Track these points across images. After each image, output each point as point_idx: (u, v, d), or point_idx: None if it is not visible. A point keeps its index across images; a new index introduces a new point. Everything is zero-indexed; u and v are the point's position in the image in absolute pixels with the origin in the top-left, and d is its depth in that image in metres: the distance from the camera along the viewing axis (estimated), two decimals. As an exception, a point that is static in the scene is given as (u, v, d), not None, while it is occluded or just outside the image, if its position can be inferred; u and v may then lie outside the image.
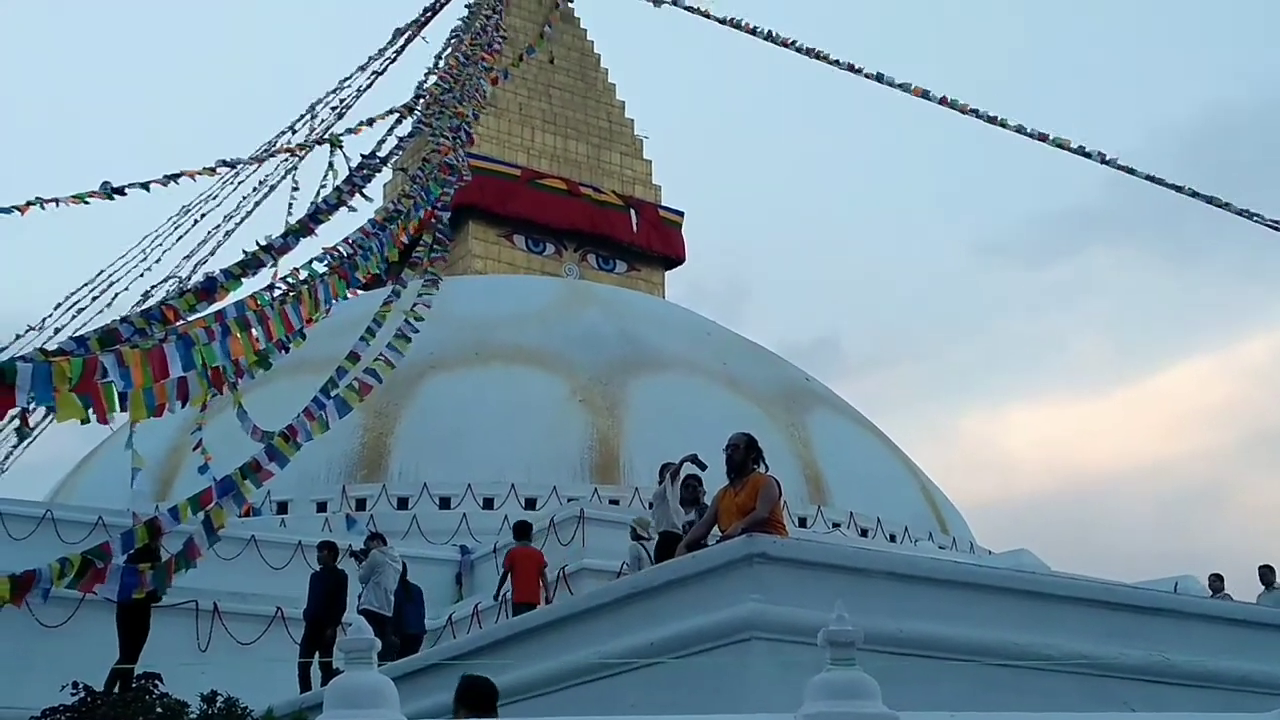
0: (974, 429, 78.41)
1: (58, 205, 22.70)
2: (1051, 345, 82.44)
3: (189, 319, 17.99)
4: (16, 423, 12.90)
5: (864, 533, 27.01)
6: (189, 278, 28.10)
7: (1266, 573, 18.85)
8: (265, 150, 31.11)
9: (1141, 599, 10.36)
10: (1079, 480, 72.57)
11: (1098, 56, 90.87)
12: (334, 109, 34.93)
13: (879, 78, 36.07)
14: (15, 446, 28.65)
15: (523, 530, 18.26)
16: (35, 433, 28.33)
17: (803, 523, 25.51)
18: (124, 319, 18.53)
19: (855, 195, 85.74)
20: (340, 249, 21.75)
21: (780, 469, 14.18)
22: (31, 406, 10.46)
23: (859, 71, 36.41)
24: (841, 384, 40.91)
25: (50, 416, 12.73)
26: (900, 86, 35.70)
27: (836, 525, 26.69)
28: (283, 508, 24.61)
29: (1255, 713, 6.66)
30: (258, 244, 25.55)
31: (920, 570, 9.45)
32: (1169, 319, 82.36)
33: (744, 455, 10.46)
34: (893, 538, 27.35)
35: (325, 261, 20.82)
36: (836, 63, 36.86)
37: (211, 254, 30.72)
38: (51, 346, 18.33)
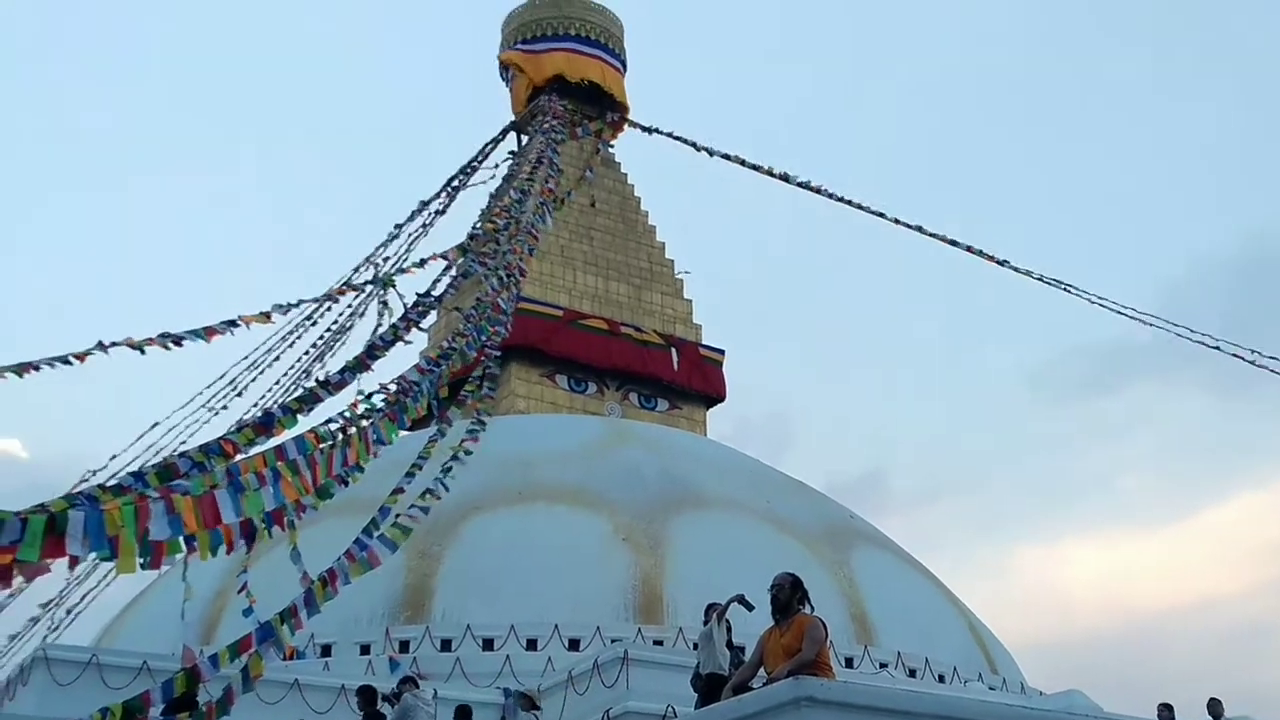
0: (1023, 565, 77.32)
1: (112, 347, 23.10)
2: (1100, 479, 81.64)
3: (247, 454, 18.20)
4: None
5: (912, 673, 26.57)
6: (247, 413, 28.58)
7: (1214, 705, 18.69)
8: (323, 297, 31.81)
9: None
10: (1130, 617, 71.32)
11: (1135, 187, 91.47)
12: (386, 252, 36.01)
13: (919, 229, 36.76)
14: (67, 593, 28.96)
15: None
16: (107, 582, 28.53)
17: (849, 663, 25.13)
18: (183, 454, 18.77)
19: (900, 329, 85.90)
20: (390, 387, 22.04)
21: (825, 609, 14.06)
22: (88, 557, 10.53)
23: (898, 222, 37.03)
24: (888, 520, 40.66)
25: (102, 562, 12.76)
26: (937, 237, 36.26)
27: (884, 666, 26.29)
28: (326, 650, 24.47)
29: None
30: (316, 380, 26.00)
31: (970, 713, 9.31)
32: (1217, 453, 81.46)
33: (789, 595, 10.39)
34: (941, 678, 26.88)
35: (379, 396, 21.10)
36: (881, 215, 37.51)
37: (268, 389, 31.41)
38: (111, 482, 18.55)
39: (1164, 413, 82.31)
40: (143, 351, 22.93)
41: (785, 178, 39.82)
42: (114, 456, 26.21)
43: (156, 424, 28.48)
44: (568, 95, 41.53)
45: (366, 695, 17.17)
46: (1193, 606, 71.99)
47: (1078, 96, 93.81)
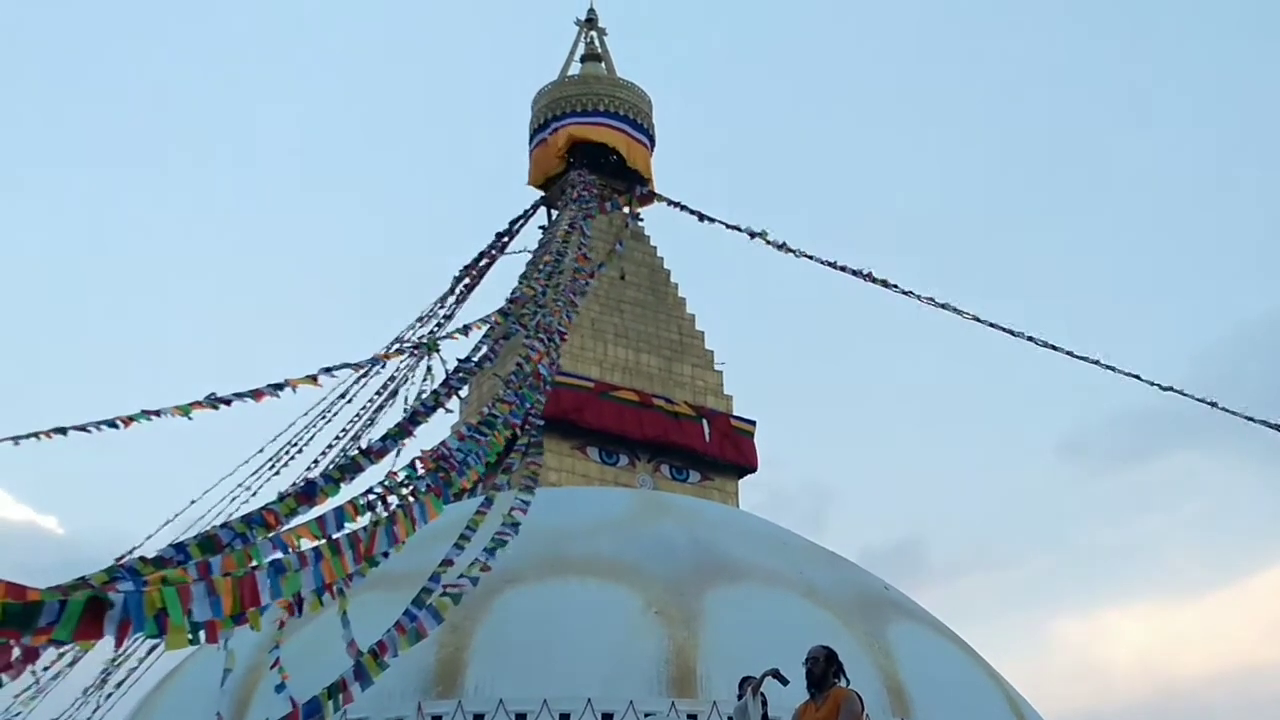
0: (1062, 636, 76.49)
1: (157, 416, 23.17)
2: (1140, 548, 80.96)
3: (288, 525, 18.21)
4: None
5: (950, 747, 26.27)
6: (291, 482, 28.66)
7: None
8: (369, 360, 32.08)
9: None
10: (1172, 687, 70.37)
11: (1173, 256, 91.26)
12: (427, 317, 36.49)
13: (939, 303, 36.87)
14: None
15: None
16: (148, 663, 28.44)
17: (886, 737, 24.85)
18: (225, 525, 18.80)
19: (935, 399, 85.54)
20: (437, 456, 22.02)
21: (861, 681, 13.95)
22: (135, 636, 10.52)
23: (932, 302, 37.13)
24: (924, 591, 40.21)
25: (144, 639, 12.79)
26: (963, 314, 36.37)
27: (921, 739, 25.99)
28: (357, 729, 24.35)
29: None
30: (358, 449, 26.09)
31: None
32: (1258, 520, 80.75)
33: (824, 669, 10.36)
34: (980, 752, 26.57)
35: (420, 469, 21.11)
36: (912, 295, 37.64)
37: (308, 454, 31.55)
38: (152, 554, 18.59)
39: (1206, 482, 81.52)
40: (190, 416, 23.00)
41: (810, 257, 39.98)
42: (149, 537, 26.27)
43: (194, 501, 28.66)
44: (596, 170, 41.91)
45: None
46: (1236, 675, 71.06)
47: (1105, 170, 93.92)
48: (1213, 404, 34.16)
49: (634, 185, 42.96)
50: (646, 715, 23.33)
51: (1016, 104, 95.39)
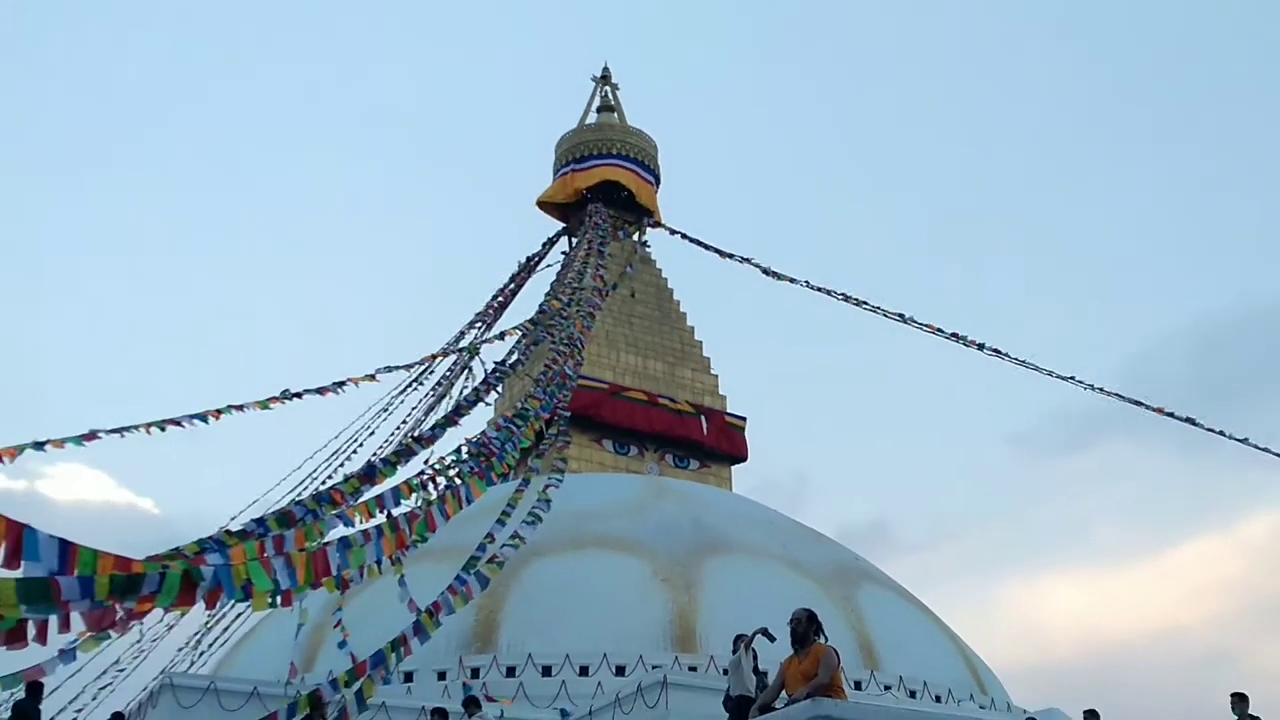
0: (1009, 601, 76.18)
1: (243, 410, 23.22)
2: (1077, 525, 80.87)
3: (352, 503, 18.27)
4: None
5: (912, 694, 26.16)
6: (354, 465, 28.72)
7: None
8: (421, 361, 32.22)
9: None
10: (1104, 645, 70.11)
11: (1108, 268, 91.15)
12: (471, 328, 36.82)
13: (902, 317, 36.86)
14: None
15: None
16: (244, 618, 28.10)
17: (858, 686, 24.76)
18: (298, 502, 18.85)
19: (901, 398, 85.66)
20: (480, 440, 22.04)
21: (837, 639, 13.91)
22: (224, 602, 10.61)
23: (899, 316, 37.08)
24: (891, 562, 40.07)
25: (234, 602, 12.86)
26: (923, 326, 36.35)
27: (888, 688, 25.88)
28: (409, 677, 24.32)
29: None
30: (410, 437, 26.11)
31: (965, 729, 9.17)
32: (1177, 500, 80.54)
33: (806, 628, 10.32)
34: (938, 699, 26.47)
35: (466, 453, 21.16)
36: (880, 311, 37.55)
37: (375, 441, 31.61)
38: (236, 528, 18.66)
39: (1133, 468, 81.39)
40: (268, 407, 23.05)
41: (792, 280, 39.96)
42: (233, 518, 26.23)
43: (279, 483, 28.70)
44: (610, 204, 42.03)
45: (440, 715, 16.99)
46: (1158, 636, 70.86)
47: (1061, 191, 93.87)
48: (1138, 402, 34.11)
49: (642, 217, 43.06)
50: (654, 667, 23.28)
51: (968, 145, 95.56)
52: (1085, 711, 18.64)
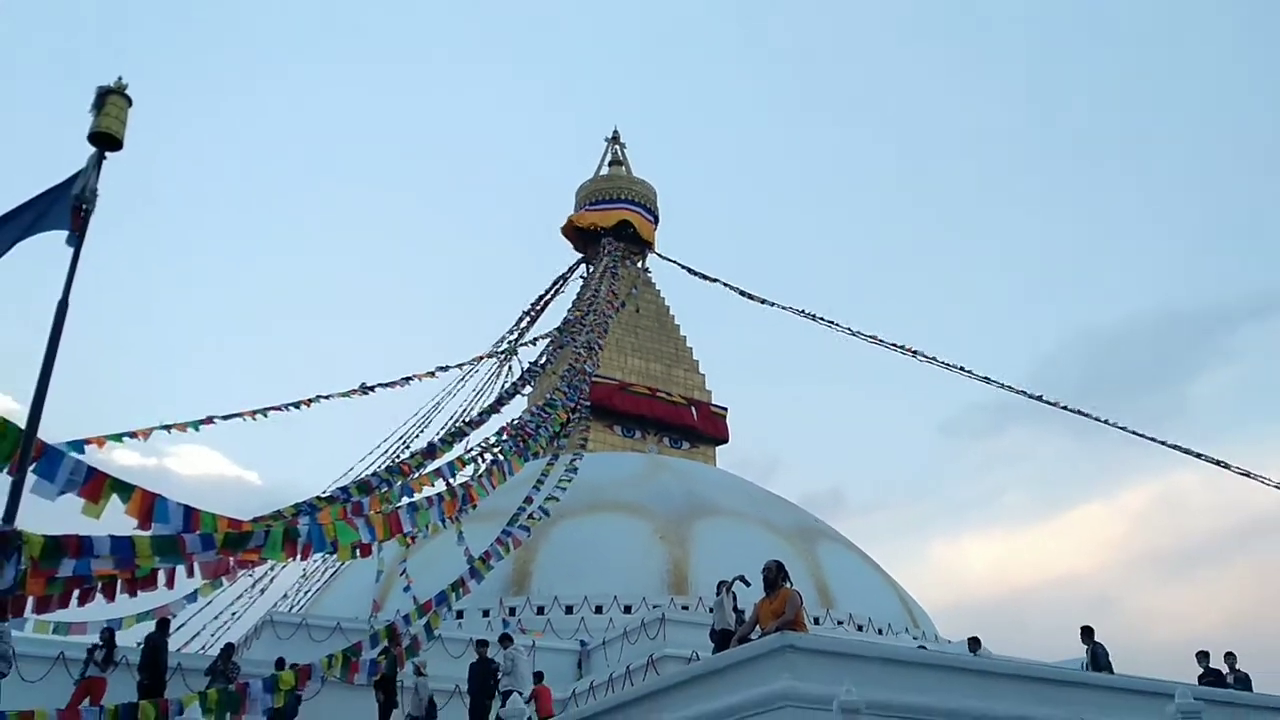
0: (937, 554, 76.18)
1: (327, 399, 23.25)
2: (991, 494, 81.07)
3: (417, 474, 18.27)
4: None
5: (859, 628, 26.13)
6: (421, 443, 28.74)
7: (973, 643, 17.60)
8: (471, 361, 32.33)
9: (1061, 675, 9.94)
10: (1012, 589, 70.20)
11: (1019, 281, 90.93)
12: (510, 335, 36.85)
13: (851, 331, 36.78)
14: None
15: (539, 675, 16.71)
16: (333, 568, 28.05)
17: (816, 621, 24.75)
18: (374, 473, 18.87)
19: (853, 391, 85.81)
20: (518, 424, 22.05)
21: (799, 584, 13.92)
22: (314, 553, 10.67)
23: (849, 330, 36.94)
24: (843, 523, 40.13)
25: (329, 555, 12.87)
26: (868, 337, 36.19)
27: (840, 623, 25.87)
28: (460, 614, 24.32)
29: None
30: (462, 422, 26.06)
31: (902, 656, 9.18)
32: (1071, 475, 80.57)
33: (776, 575, 10.30)
34: (880, 631, 26.42)
35: (505, 436, 21.15)
36: (835, 325, 37.38)
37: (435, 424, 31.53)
38: (325, 494, 18.68)
39: (1037, 450, 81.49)
40: (349, 397, 23.16)
41: (763, 300, 40.00)
42: (325, 491, 26.35)
43: (362, 459, 28.75)
44: (619, 238, 42.13)
45: (482, 645, 16.97)
46: (1055, 582, 70.97)
47: (979, 215, 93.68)
48: (1038, 397, 34.00)
49: (644, 249, 43.18)
50: (654, 607, 23.25)
51: (907, 190, 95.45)
52: (969, 639, 18.50)
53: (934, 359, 34.74)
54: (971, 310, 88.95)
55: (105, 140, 8.57)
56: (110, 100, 8.65)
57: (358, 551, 11.17)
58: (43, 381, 7.98)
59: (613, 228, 42.27)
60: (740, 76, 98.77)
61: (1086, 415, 30.92)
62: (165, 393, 75.78)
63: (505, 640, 16.55)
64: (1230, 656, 15.87)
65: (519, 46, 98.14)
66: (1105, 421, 30.22)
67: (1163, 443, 27.47)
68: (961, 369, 34.43)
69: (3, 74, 78.88)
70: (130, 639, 16.63)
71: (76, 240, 8.27)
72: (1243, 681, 15.05)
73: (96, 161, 8.52)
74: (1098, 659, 14.88)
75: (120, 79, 9.01)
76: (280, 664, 14.19)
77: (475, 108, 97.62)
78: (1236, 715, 9.53)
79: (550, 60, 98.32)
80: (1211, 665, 15.46)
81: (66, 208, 8.30)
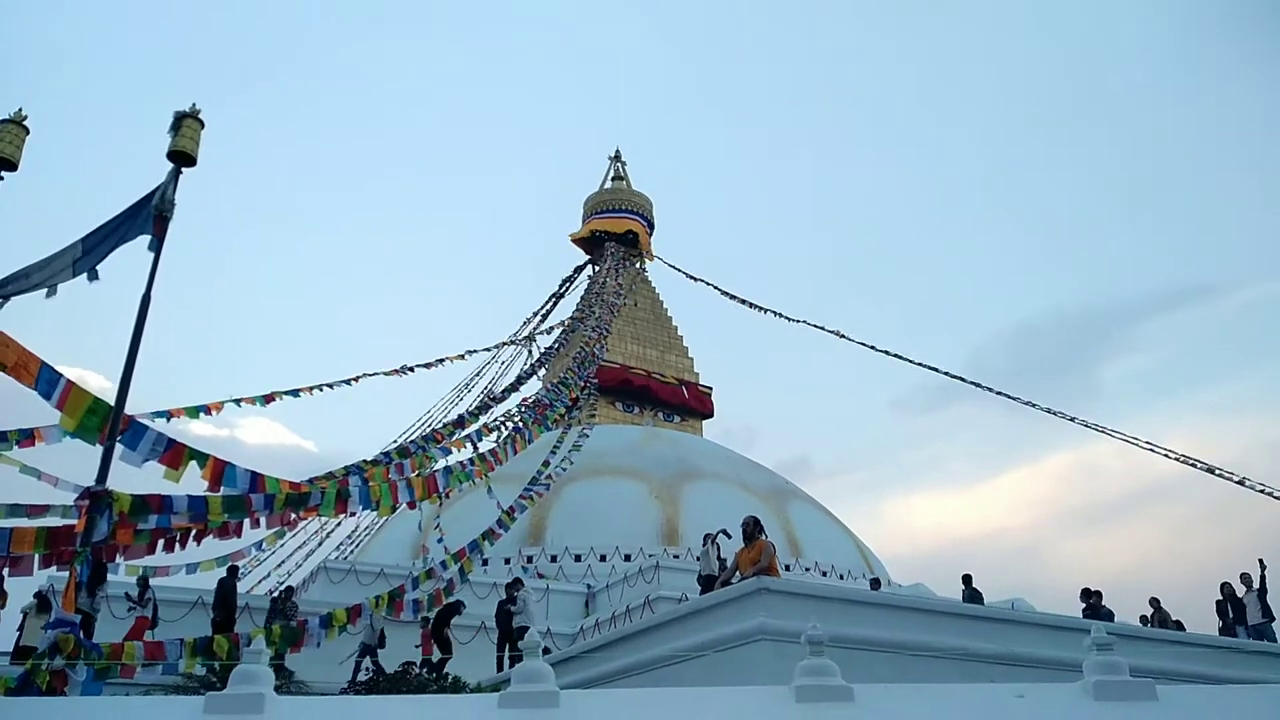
0: (889, 512, 76.32)
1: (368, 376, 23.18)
2: (936, 461, 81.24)
3: (449, 440, 18.23)
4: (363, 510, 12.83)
5: (824, 574, 26.22)
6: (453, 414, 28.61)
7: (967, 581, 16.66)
8: (496, 345, 32.26)
9: (995, 613, 9.97)
10: (954, 541, 70.41)
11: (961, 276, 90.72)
12: (528, 323, 36.73)
13: (821, 327, 36.35)
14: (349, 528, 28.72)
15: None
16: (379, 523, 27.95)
17: (787, 568, 24.88)
18: (412, 440, 18.81)
19: (819, 373, 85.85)
20: (535, 399, 22.00)
21: (773, 536, 14.01)
22: (361, 510, 10.66)
23: (818, 327, 36.52)
24: (811, 485, 40.29)
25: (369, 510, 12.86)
26: (832, 331, 35.83)
27: (807, 570, 25.98)
28: (485, 562, 24.39)
29: (1064, 683, 6.35)
30: (488, 397, 25.97)
31: (860, 597, 9.21)
32: (1003, 445, 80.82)
33: (753, 528, 10.34)
34: (841, 577, 26.50)
35: (526, 409, 21.10)
36: (803, 322, 36.90)
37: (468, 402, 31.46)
38: (370, 459, 18.65)
39: (974, 423, 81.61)
40: (389, 375, 23.13)
41: (743, 300, 39.80)
42: (372, 459, 26.32)
43: (403, 434, 28.67)
44: (621, 242, 42.06)
45: (511, 587, 16.98)
46: (990, 535, 71.26)
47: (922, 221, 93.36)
48: (975, 383, 33.74)
49: (642, 252, 43.13)
50: (649, 555, 23.34)
51: (871, 202, 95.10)
52: (870, 579, 18.36)
53: (890, 353, 34.50)
54: (916, 305, 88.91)
55: (181, 158, 8.52)
56: (185, 123, 8.59)
57: (399, 508, 11.18)
58: (129, 363, 7.96)
59: (618, 234, 42.22)
60: (714, 121, 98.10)
61: (1012, 397, 30.84)
62: (235, 372, 75.66)
63: (516, 584, 16.57)
64: (1155, 601, 16.05)
65: (537, 77, 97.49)
66: (1028, 403, 30.10)
67: (1078, 420, 27.42)
68: (910, 359, 34.17)
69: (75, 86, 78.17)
70: (204, 583, 16.67)
71: (157, 245, 8.24)
72: (1169, 624, 15.08)
73: (174, 176, 8.47)
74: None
75: (194, 105, 8.94)
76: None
77: (497, 132, 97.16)
78: (1139, 647, 9.57)
79: (561, 87, 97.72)
80: (1093, 602, 15.49)
81: (149, 217, 8.27)
